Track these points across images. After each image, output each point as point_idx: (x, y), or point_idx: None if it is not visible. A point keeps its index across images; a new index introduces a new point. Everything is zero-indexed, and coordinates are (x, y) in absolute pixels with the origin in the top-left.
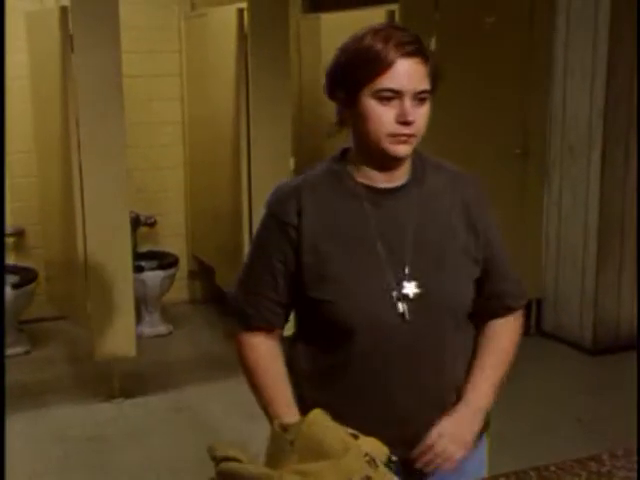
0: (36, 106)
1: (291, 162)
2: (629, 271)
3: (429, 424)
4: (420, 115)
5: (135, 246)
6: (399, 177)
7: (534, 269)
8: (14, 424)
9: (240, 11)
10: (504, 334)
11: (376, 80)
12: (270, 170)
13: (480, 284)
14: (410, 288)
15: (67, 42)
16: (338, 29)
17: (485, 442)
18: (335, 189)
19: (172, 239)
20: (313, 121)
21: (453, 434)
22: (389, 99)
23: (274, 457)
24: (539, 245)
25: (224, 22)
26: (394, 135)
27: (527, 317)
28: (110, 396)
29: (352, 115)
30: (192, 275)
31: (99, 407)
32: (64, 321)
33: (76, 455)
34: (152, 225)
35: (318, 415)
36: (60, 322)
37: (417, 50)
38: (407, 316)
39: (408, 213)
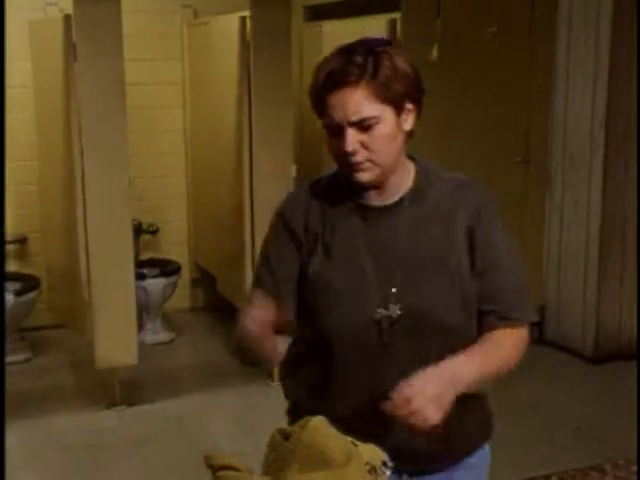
0: (39, 114)
1: (293, 169)
2: (631, 279)
3: (407, 441)
4: (371, 141)
5: (137, 254)
6: (392, 193)
7: (536, 277)
8: (15, 432)
9: (243, 19)
10: (503, 334)
11: (321, 118)
12: (272, 177)
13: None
14: (394, 310)
15: (70, 50)
16: (340, 38)
17: (487, 455)
18: (334, 205)
19: (174, 247)
20: (315, 129)
21: (434, 395)
22: (335, 131)
23: (274, 466)
24: (541, 253)
25: (227, 30)
26: (349, 164)
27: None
28: (111, 404)
29: None
30: (194, 283)
31: (100, 415)
32: (65, 329)
33: (76, 463)
34: (154, 233)
35: (319, 423)
36: (61, 330)
37: (345, 80)
38: (386, 338)
39: (400, 232)
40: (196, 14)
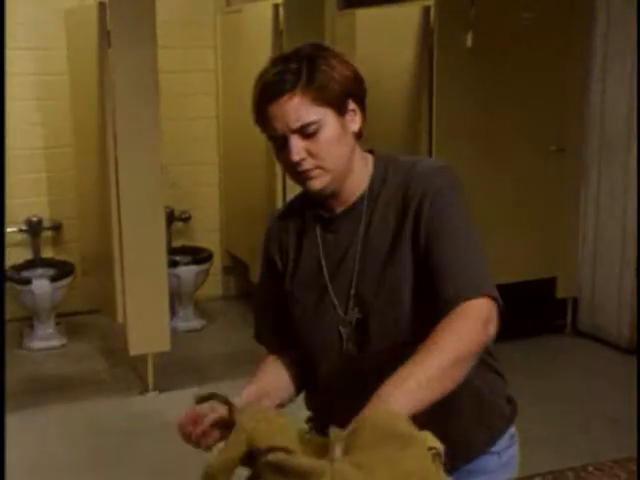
0: (74, 101)
1: None
2: None
3: None
4: (316, 147)
5: (169, 241)
6: (350, 196)
7: (570, 267)
8: (49, 416)
9: (276, 7)
10: (436, 327)
11: (265, 132)
12: None
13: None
14: (354, 315)
15: (104, 38)
16: (373, 25)
17: (505, 463)
18: (302, 222)
19: (206, 234)
20: None
21: None
22: (280, 143)
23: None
24: (576, 243)
25: (259, 18)
26: (299, 174)
27: (563, 316)
28: (144, 390)
29: None
30: (226, 270)
31: (133, 400)
32: (99, 314)
33: (110, 448)
34: (186, 220)
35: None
36: (96, 316)
37: (281, 88)
38: (348, 346)
39: (360, 233)
40: (229, 1)
